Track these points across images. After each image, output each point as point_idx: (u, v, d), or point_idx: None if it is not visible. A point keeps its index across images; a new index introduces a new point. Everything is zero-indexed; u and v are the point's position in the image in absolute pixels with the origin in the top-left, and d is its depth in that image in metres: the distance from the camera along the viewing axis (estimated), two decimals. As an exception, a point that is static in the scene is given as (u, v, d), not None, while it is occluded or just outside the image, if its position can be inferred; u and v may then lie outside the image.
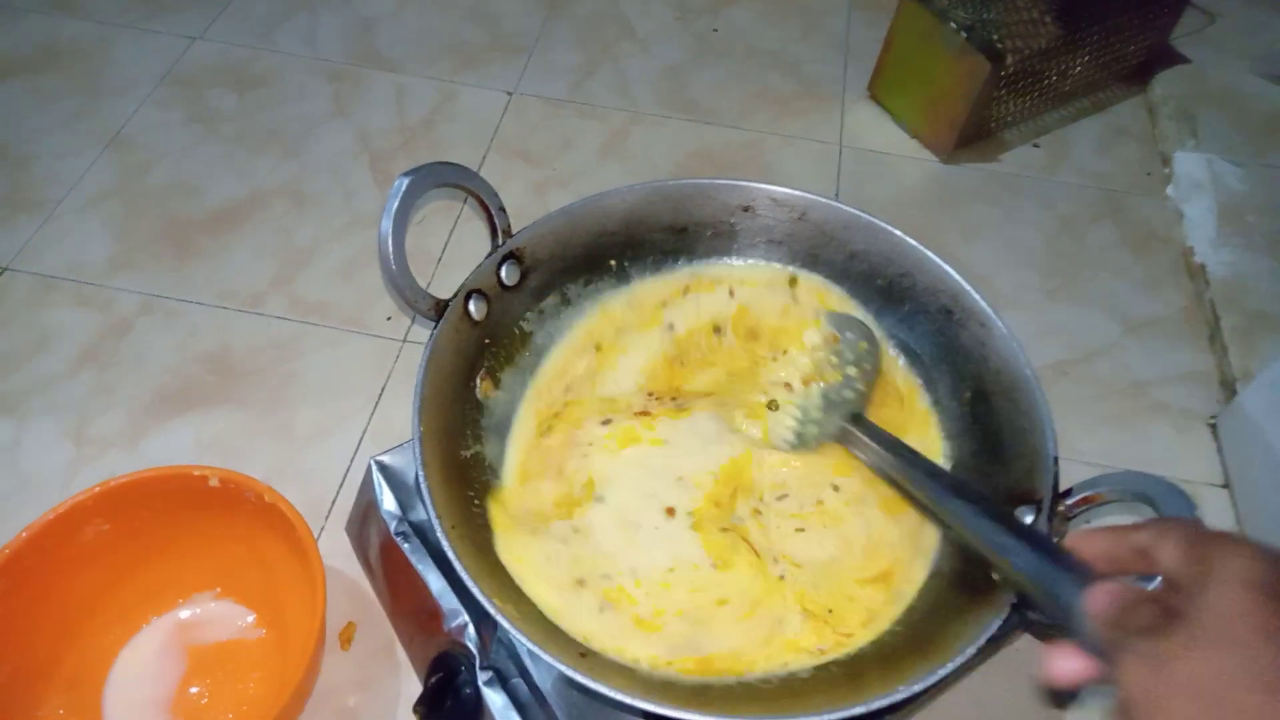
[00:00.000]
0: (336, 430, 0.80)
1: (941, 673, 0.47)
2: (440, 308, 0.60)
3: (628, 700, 0.46)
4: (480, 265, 0.62)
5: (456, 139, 1.05)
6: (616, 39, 1.19)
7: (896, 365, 0.65)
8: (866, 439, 0.58)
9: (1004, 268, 0.96)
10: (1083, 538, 0.42)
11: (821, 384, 0.65)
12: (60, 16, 1.14)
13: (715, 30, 1.21)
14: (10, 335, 0.84)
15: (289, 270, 0.91)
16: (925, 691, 0.47)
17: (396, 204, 0.57)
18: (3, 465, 0.76)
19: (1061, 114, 1.11)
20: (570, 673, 0.47)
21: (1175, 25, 1.13)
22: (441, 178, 0.59)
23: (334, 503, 0.76)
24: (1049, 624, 0.48)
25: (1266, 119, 1.11)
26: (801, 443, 0.62)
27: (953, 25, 0.97)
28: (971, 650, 0.47)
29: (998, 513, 0.48)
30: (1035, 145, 1.08)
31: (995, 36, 0.98)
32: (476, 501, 0.58)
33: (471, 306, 0.61)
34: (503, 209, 0.63)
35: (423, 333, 0.87)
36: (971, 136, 1.05)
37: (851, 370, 0.64)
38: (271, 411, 0.81)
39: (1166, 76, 1.14)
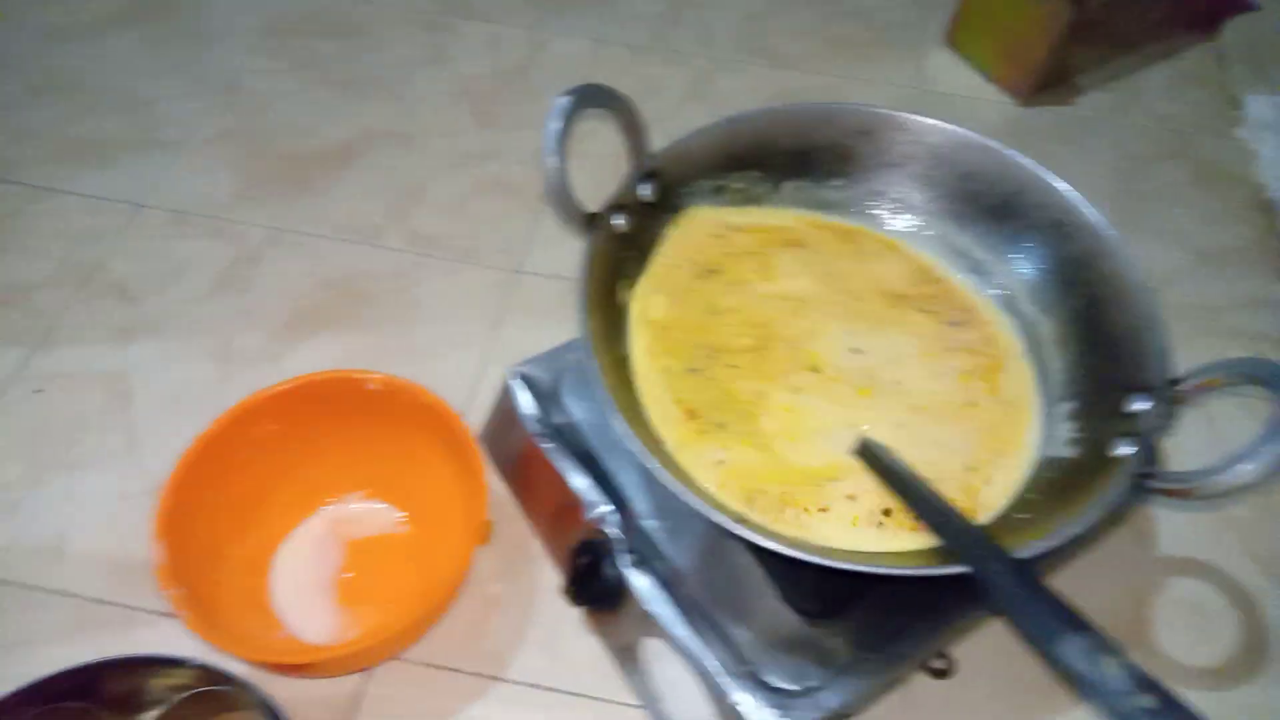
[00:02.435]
0: (459, 350, 0.86)
1: (1073, 530, 0.51)
2: (591, 221, 0.64)
3: (789, 553, 0.51)
4: (623, 182, 0.67)
5: (549, 84, 1.09)
6: (695, -11, 1.23)
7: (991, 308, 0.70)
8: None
9: (1080, 204, 1.00)
10: None
11: None
12: (162, -30, 1.19)
13: (790, -19, 1.25)
14: (150, 264, 0.89)
15: (402, 205, 0.96)
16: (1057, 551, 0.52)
17: (559, 123, 0.61)
18: (158, 379, 0.82)
19: (1132, 60, 1.15)
20: (743, 532, 0.52)
21: (1243, -27, 1.16)
22: (596, 98, 0.64)
23: (463, 417, 0.81)
24: (1172, 490, 0.53)
25: (1333, 64, 1.15)
26: None
27: (1034, -30, 1.01)
28: (1098, 513, 0.52)
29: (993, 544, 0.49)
30: (1108, 90, 1.12)
31: (1074, -19, 1.01)
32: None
33: (617, 220, 0.66)
34: (644, 130, 0.67)
35: (535, 264, 0.92)
36: (1047, 81, 1.09)
37: None
38: (397, 333, 0.86)
39: (1235, 24, 1.17)
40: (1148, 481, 0.53)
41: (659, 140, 0.65)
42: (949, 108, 1.09)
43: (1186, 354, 0.87)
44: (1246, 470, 0.49)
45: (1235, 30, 1.16)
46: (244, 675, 0.59)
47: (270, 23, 1.14)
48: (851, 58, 1.15)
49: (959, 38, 1.14)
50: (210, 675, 0.60)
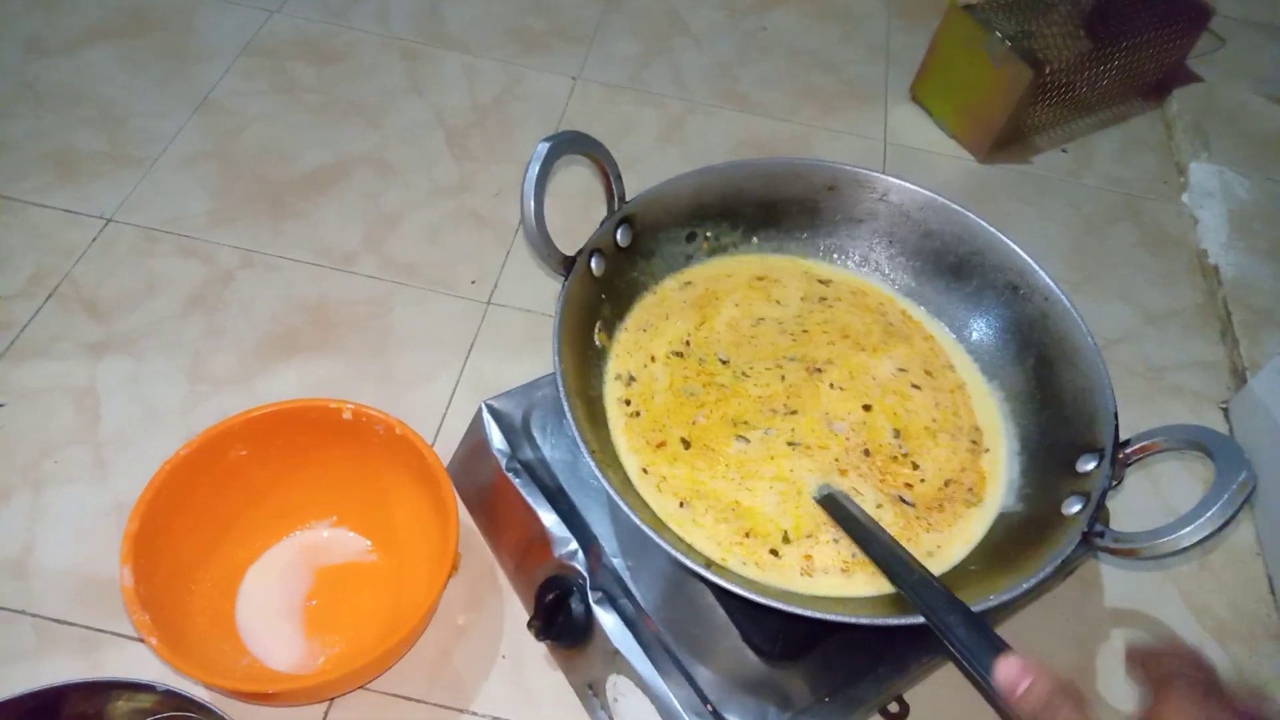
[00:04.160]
0: (431, 380, 0.87)
1: (1026, 585, 0.54)
2: (568, 263, 0.66)
3: (757, 599, 0.53)
4: (600, 227, 0.69)
5: (526, 118, 1.11)
6: (670, 34, 1.26)
7: (957, 349, 0.73)
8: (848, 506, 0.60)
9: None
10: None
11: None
12: (143, -15, 1.19)
13: (763, 29, 1.29)
14: (121, 281, 0.89)
15: (377, 233, 0.97)
16: (1008, 604, 0.54)
17: (538, 168, 0.63)
18: (129, 396, 0.81)
19: (1086, 123, 1.20)
20: (710, 576, 0.54)
21: (1192, 47, 1.22)
22: (575, 145, 0.66)
23: (432, 446, 0.82)
24: (1118, 549, 0.56)
25: (1270, 136, 1.21)
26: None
27: (998, 34, 1.05)
28: (1050, 568, 0.55)
29: (946, 592, 0.52)
30: (1063, 150, 1.16)
31: (1035, 46, 1.06)
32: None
33: (593, 263, 0.68)
34: (619, 177, 0.70)
35: (506, 296, 0.94)
36: (1006, 139, 1.13)
37: None
38: (369, 360, 0.87)
39: (1182, 94, 1.23)
40: (1095, 540, 0.56)
41: (634, 177, 0.68)
42: (912, 162, 1.13)
43: (1133, 411, 0.92)
44: (1188, 534, 0.52)
45: (1181, 100, 1.22)
46: (208, 701, 0.59)
47: (252, 44, 1.15)
48: (819, 108, 1.19)
49: (922, 93, 1.18)
50: (174, 700, 0.60)
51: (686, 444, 0.64)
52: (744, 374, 0.69)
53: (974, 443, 0.68)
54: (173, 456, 0.66)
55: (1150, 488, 0.86)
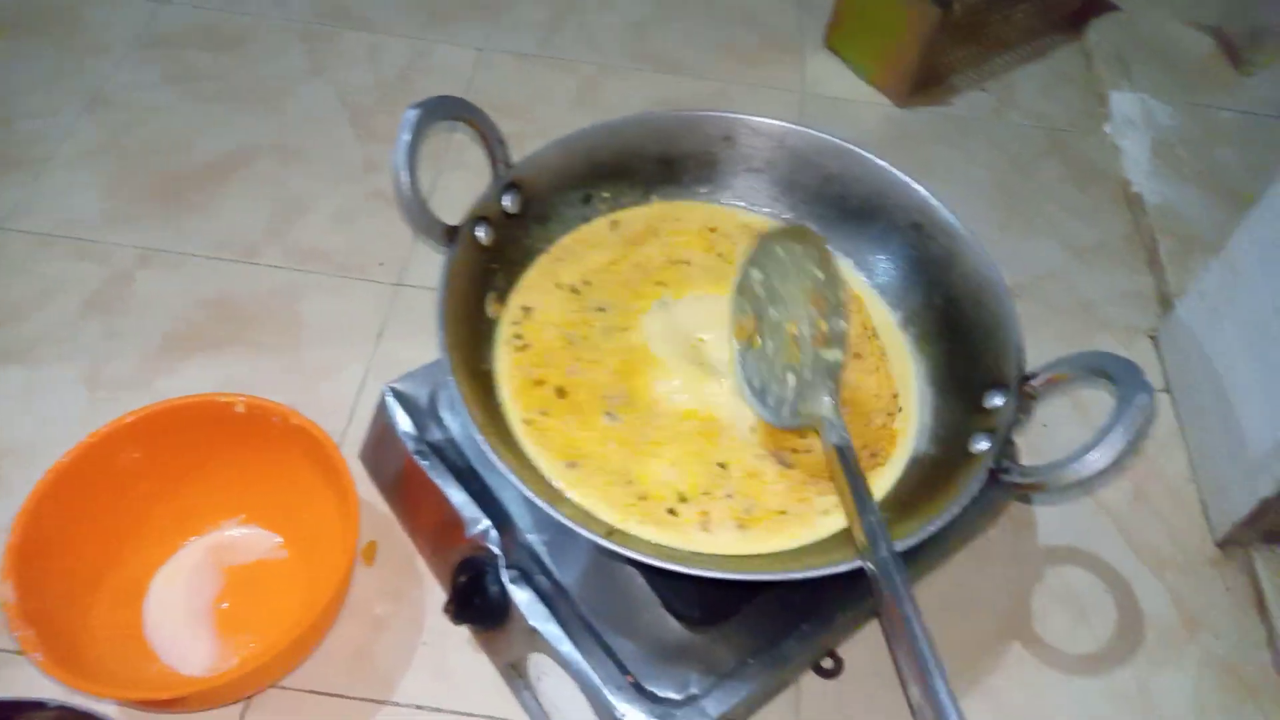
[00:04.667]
0: (341, 368, 0.84)
1: (930, 528, 0.52)
2: (451, 234, 0.64)
3: (661, 564, 0.51)
4: (484, 194, 0.66)
5: (432, 94, 1.07)
6: (580, -4, 1.23)
7: (866, 288, 0.71)
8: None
9: (958, 203, 1.00)
10: None
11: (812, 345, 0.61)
12: (28, -19, 1.15)
13: (675, -14, 1.26)
14: (12, 288, 0.86)
15: (281, 221, 0.94)
16: (920, 548, 0.53)
17: (408, 136, 0.61)
18: (19, 410, 0.78)
19: (1005, 60, 1.18)
20: (607, 544, 0.52)
21: (1107, -25, 1.21)
22: (447, 111, 0.63)
23: (344, 435, 0.80)
24: (1025, 484, 0.54)
25: (1192, 62, 1.20)
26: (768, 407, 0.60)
27: (904, -26, 1.03)
28: (956, 509, 0.53)
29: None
30: (983, 89, 1.15)
31: (943, -16, 1.04)
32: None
33: (479, 233, 0.66)
34: (502, 141, 0.67)
35: (416, 276, 0.91)
36: (924, 82, 1.11)
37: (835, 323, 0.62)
38: (277, 353, 0.84)
39: (1100, 24, 1.22)
40: (1002, 477, 0.55)
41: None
42: (831, 111, 1.11)
43: (1064, 347, 0.89)
44: (1091, 461, 0.51)
45: (1099, 30, 1.21)
46: (115, 714, 0.57)
47: (144, 35, 1.10)
48: (737, 62, 1.16)
49: (837, 41, 1.16)
50: (73, 716, 0.58)
51: (562, 393, 0.62)
52: (620, 328, 0.66)
53: (889, 414, 0.66)
54: (55, 465, 0.63)
55: (1081, 420, 0.85)
